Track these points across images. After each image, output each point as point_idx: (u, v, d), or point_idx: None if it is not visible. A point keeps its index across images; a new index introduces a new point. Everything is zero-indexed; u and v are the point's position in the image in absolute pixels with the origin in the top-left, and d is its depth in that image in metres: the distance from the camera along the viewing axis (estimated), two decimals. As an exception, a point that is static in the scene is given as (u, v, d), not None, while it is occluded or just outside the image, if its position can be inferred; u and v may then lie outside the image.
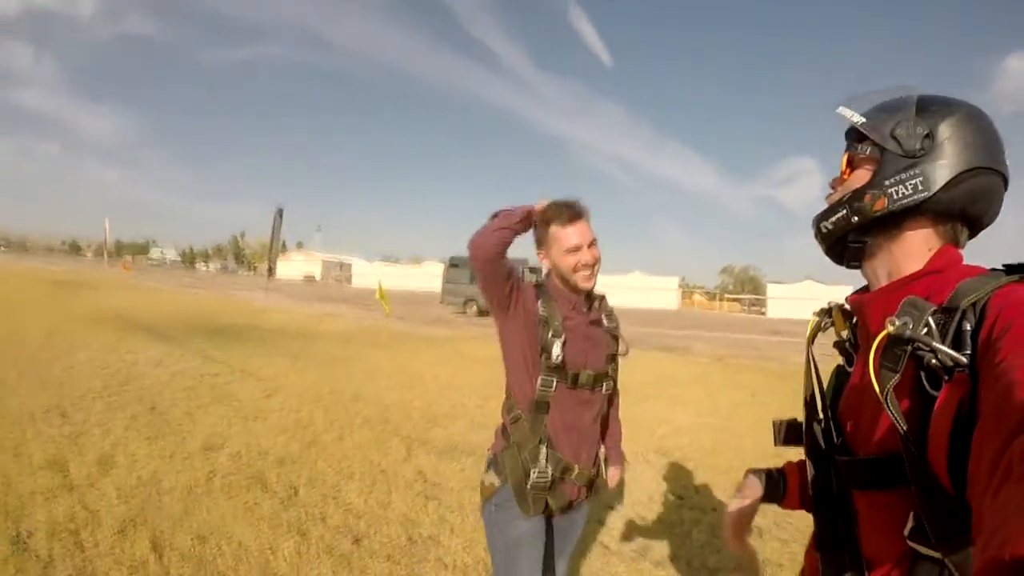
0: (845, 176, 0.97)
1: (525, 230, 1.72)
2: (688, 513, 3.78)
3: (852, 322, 1.02)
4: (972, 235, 0.91)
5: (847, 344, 1.02)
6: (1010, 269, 0.78)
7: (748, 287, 70.59)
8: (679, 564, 3.10)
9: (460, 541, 3.16)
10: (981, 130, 0.85)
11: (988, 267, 0.82)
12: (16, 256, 71.77)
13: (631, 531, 3.47)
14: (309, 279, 72.17)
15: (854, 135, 0.96)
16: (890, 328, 0.75)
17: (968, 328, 0.72)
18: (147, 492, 3.51)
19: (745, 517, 1.15)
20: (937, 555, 0.73)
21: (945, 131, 0.84)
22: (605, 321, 1.87)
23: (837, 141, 1.02)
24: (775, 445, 1.17)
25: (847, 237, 0.95)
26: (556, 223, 1.70)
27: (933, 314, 0.75)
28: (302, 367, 8.43)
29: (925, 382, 0.75)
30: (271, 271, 30.11)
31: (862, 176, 0.92)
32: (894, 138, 0.87)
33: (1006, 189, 0.87)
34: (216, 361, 8.29)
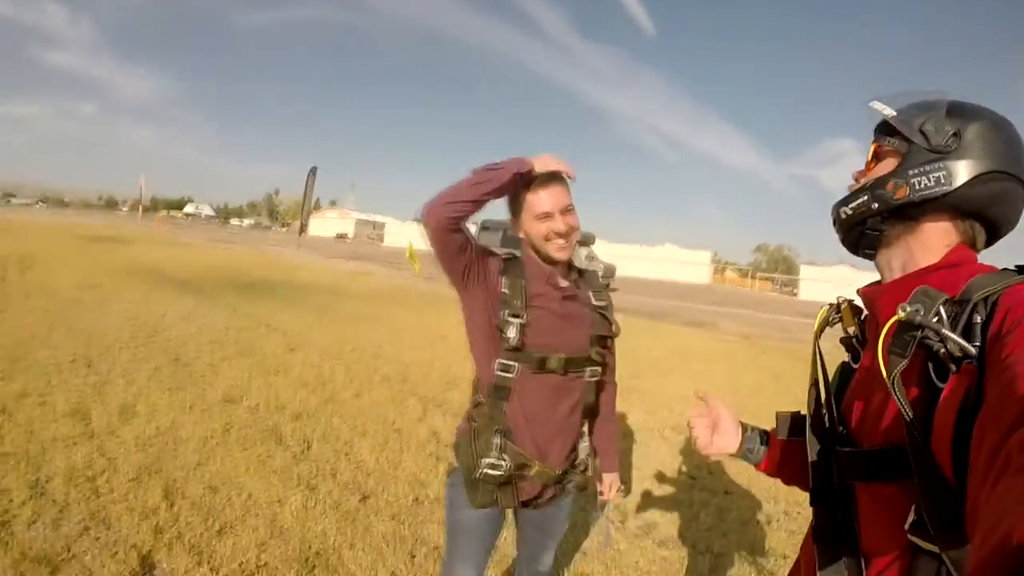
0: (870, 168, 0.98)
1: (502, 195, 1.52)
2: (698, 494, 3.73)
3: (860, 318, 1.04)
4: (989, 242, 0.93)
5: (854, 340, 1.03)
6: (1021, 269, 0.79)
7: (781, 267, 69.11)
8: (684, 544, 3.07)
9: (466, 506, 3.17)
10: (1007, 138, 0.87)
11: (1001, 267, 0.83)
12: (54, 211, 73.88)
13: (638, 507, 3.44)
14: (341, 237, 72.92)
15: (883, 129, 0.97)
16: (901, 314, 0.76)
17: (979, 321, 0.72)
18: (164, 441, 3.60)
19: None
20: (936, 549, 0.72)
21: (972, 133, 0.86)
22: (593, 298, 1.67)
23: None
24: (777, 438, 1.15)
25: (865, 223, 0.96)
26: (526, 187, 1.53)
27: (944, 304, 0.75)
28: (328, 323, 8.55)
29: (933, 373, 0.75)
30: (303, 228, 30.56)
31: (887, 166, 0.94)
32: (922, 132, 0.89)
33: None
34: (243, 315, 8.44)
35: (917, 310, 0.75)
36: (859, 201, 0.95)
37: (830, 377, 1.06)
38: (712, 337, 12.45)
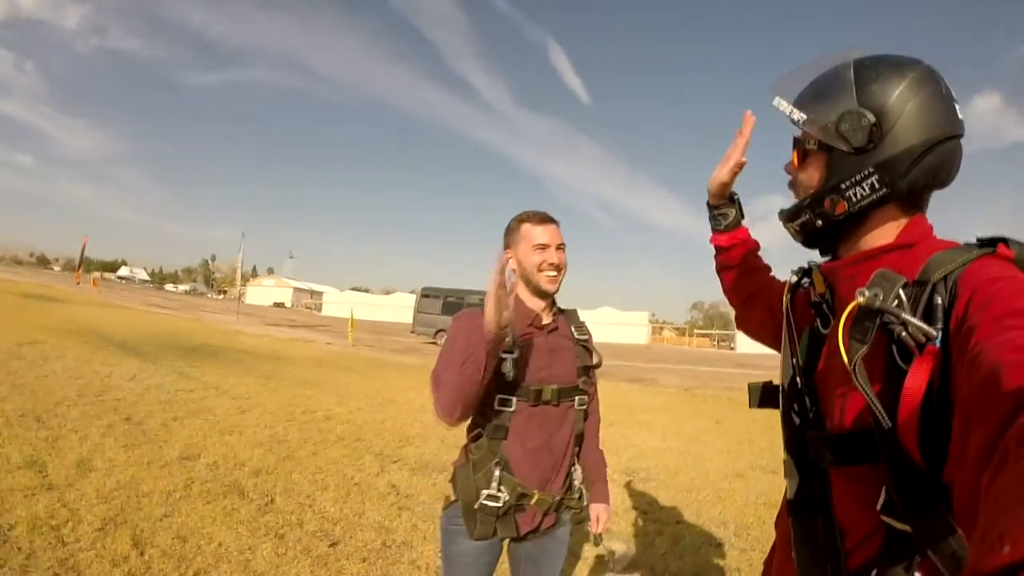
0: (795, 164, 0.96)
1: (490, 367, 1.47)
2: (651, 525, 3.96)
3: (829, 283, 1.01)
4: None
5: (824, 305, 0.99)
6: (982, 243, 0.77)
7: (718, 323, 71.64)
8: (642, 570, 3.27)
9: (434, 547, 3.27)
10: (929, 98, 0.81)
11: (962, 241, 0.81)
12: (-20, 267, 69.39)
13: (597, 538, 3.62)
14: (279, 305, 71.33)
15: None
16: (860, 299, 0.75)
17: (939, 302, 0.72)
18: (126, 495, 3.57)
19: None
20: (908, 529, 0.72)
21: (892, 114, 0.81)
22: (575, 332, 1.79)
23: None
24: (750, 407, 1.16)
25: (815, 232, 0.95)
26: (528, 222, 1.69)
27: (904, 287, 0.74)
28: (275, 387, 8.44)
29: (896, 356, 0.74)
30: (240, 296, 30.27)
31: (814, 176, 0.91)
32: (840, 135, 0.84)
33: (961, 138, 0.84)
34: (190, 378, 8.27)
35: (876, 295, 0.74)
36: (803, 220, 0.94)
37: (799, 347, 1.02)
38: (653, 391, 12.84)
